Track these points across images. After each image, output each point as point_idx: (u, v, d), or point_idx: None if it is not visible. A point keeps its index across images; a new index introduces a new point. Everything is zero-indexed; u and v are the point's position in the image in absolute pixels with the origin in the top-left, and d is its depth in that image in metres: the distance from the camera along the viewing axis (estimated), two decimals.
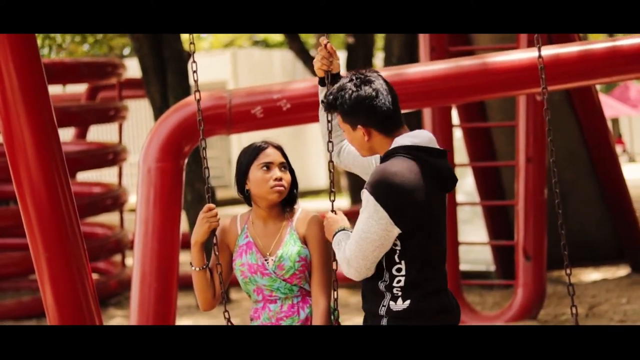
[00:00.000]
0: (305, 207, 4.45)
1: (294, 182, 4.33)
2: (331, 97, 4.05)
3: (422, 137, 3.99)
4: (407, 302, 3.89)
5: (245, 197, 4.35)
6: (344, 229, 4.08)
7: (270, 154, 4.29)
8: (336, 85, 4.06)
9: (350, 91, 3.98)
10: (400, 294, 3.90)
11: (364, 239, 3.85)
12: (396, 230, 3.84)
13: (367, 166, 4.26)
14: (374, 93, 3.96)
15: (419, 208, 3.86)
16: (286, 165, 4.31)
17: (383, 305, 3.93)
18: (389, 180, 3.83)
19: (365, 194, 3.86)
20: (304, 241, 4.27)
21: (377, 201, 3.82)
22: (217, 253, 4.30)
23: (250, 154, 4.30)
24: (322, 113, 4.32)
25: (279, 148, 4.33)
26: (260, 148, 4.30)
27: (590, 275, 11.76)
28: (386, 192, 3.83)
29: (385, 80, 4.03)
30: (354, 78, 4.01)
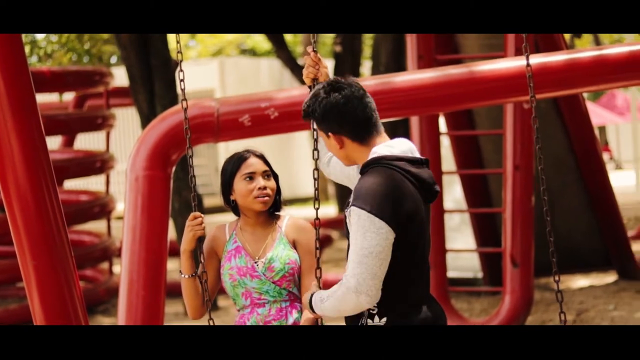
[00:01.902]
0: (292, 214, 4.46)
1: (277, 188, 4.36)
2: (306, 105, 3.99)
3: (401, 146, 3.91)
4: (384, 319, 3.80)
5: (232, 207, 4.38)
6: (314, 293, 3.92)
7: (253, 164, 4.31)
8: (312, 93, 4.01)
9: (321, 98, 3.91)
10: (375, 311, 3.81)
11: (368, 256, 3.68)
12: (392, 238, 3.72)
13: (354, 176, 4.15)
14: (342, 100, 3.87)
15: (406, 216, 3.76)
16: (269, 173, 4.34)
17: (361, 324, 3.84)
18: (375, 190, 3.72)
19: (355, 211, 3.72)
20: (294, 246, 4.31)
21: (370, 213, 3.69)
22: (202, 261, 4.31)
23: (233, 165, 4.32)
24: None
25: (261, 156, 4.36)
26: (242, 158, 4.32)
27: (578, 282, 11.79)
28: (376, 201, 3.70)
29: (360, 88, 3.94)
30: (326, 85, 3.94)
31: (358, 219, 3.72)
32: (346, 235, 3.92)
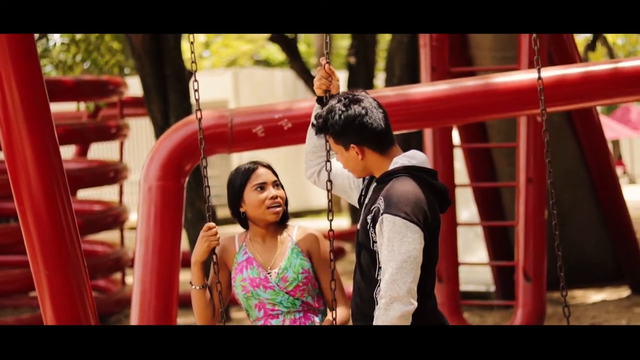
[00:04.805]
0: (300, 224, 4.47)
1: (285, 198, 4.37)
2: (321, 120, 4.03)
3: (418, 157, 3.99)
4: None
5: (241, 220, 4.37)
6: None
7: (262, 174, 4.32)
8: (325, 108, 4.04)
9: (339, 112, 3.96)
10: None
11: (407, 260, 3.75)
12: (424, 244, 3.80)
13: (347, 186, 4.24)
14: (363, 111, 3.94)
15: (433, 225, 3.85)
16: (279, 183, 4.35)
17: None
18: (406, 197, 3.80)
19: (389, 219, 3.78)
20: (307, 255, 4.29)
21: (405, 218, 3.76)
22: (216, 272, 4.31)
23: (242, 177, 4.32)
24: (309, 133, 4.31)
25: (269, 167, 4.37)
26: (251, 169, 4.32)
27: (590, 296, 11.74)
28: (409, 207, 3.78)
29: (374, 99, 4.02)
30: (342, 99, 4.00)
31: (393, 225, 3.77)
32: (362, 245, 3.95)
